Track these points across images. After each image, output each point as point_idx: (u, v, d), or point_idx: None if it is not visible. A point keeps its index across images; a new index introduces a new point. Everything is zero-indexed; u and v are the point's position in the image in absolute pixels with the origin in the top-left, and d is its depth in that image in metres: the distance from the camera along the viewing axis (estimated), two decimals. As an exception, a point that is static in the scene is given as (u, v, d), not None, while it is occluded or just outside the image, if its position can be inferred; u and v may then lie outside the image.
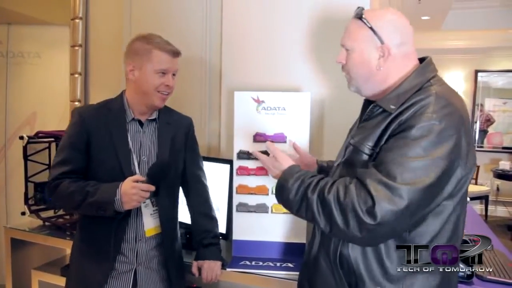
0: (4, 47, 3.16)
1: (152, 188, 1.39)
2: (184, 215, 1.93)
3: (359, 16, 1.16)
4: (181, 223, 1.94)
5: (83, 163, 1.44)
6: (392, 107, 1.09)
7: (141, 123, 1.52)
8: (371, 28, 1.14)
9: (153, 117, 1.55)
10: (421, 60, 1.21)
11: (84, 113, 1.47)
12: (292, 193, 1.13)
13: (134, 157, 1.48)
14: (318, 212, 1.06)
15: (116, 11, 2.31)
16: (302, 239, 1.72)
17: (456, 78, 6.63)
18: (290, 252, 1.72)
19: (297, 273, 1.57)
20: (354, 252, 1.11)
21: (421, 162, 0.98)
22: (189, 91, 2.14)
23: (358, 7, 1.19)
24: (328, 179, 1.11)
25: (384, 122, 1.09)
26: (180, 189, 1.68)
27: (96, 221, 1.44)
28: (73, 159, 1.43)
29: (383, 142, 1.07)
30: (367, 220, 0.97)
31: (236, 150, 1.72)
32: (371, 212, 0.97)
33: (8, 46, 3.16)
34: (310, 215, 1.09)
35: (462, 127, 1.03)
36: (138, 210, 1.48)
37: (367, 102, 1.29)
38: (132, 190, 1.35)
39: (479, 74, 6.64)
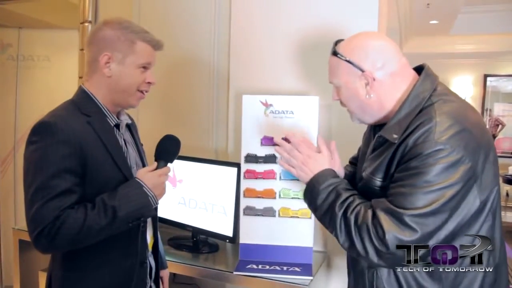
0: (15, 51, 3.20)
1: (169, 170, 1.27)
2: (190, 217, 1.94)
3: (334, 52, 1.16)
4: (187, 225, 1.96)
5: (82, 188, 1.17)
6: (395, 136, 1.06)
7: (117, 127, 1.31)
8: (347, 61, 1.13)
9: (129, 121, 1.38)
10: (418, 69, 1.15)
11: (66, 127, 1.15)
12: (320, 198, 1.12)
13: (130, 165, 1.30)
14: (340, 228, 1.07)
15: (125, 15, 2.31)
16: (309, 243, 1.71)
17: (464, 83, 6.58)
18: (297, 256, 1.70)
19: (304, 277, 1.58)
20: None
21: (429, 191, 0.97)
22: (196, 94, 2.14)
23: (334, 42, 1.19)
24: (356, 198, 1.10)
25: (389, 151, 1.08)
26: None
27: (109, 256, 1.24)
28: (76, 186, 1.15)
29: (392, 171, 1.07)
30: (381, 247, 0.99)
31: (243, 154, 1.72)
32: (383, 240, 0.99)
33: (18, 49, 3.20)
34: (331, 228, 1.10)
35: (473, 144, 0.99)
36: (141, 228, 1.28)
37: (373, 127, 1.27)
38: (161, 179, 1.23)
39: (488, 78, 6.59)
